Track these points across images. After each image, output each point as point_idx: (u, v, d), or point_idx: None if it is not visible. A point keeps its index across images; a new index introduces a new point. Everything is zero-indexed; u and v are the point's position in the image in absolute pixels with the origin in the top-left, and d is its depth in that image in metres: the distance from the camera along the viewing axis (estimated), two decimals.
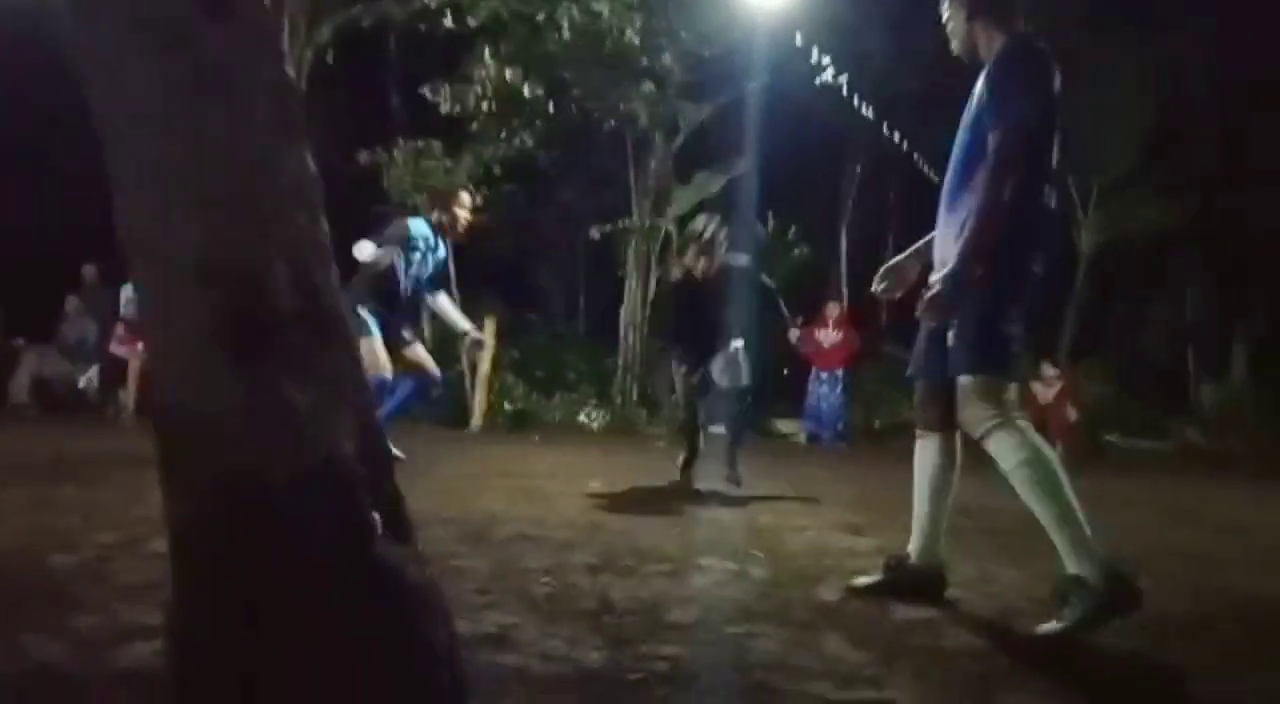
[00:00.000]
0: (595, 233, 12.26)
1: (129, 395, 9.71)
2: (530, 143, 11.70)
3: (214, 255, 1.42)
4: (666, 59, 11.03)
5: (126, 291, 10.72)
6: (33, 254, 13.17)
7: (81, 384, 11.29)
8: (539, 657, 2.22)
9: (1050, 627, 2.54)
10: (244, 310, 1.42)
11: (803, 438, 11.33)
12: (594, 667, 2.20)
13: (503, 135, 11.51)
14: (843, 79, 10.24)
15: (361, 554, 1.41)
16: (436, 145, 11.74)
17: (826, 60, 10.04)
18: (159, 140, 1.45)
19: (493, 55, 10.83)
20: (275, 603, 1.36)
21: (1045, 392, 10.92)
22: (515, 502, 4.68)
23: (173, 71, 1.44)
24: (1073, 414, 10.90)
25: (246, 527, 1.38)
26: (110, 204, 1.50)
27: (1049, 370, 11.16)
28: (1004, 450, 2.66)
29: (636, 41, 10.60)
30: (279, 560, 1.38)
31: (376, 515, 1.43)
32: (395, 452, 3.85)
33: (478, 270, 12.56)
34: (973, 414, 2.71)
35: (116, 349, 9.98)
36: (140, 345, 10.00)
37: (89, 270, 11.39)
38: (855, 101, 10.53)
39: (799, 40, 9.82)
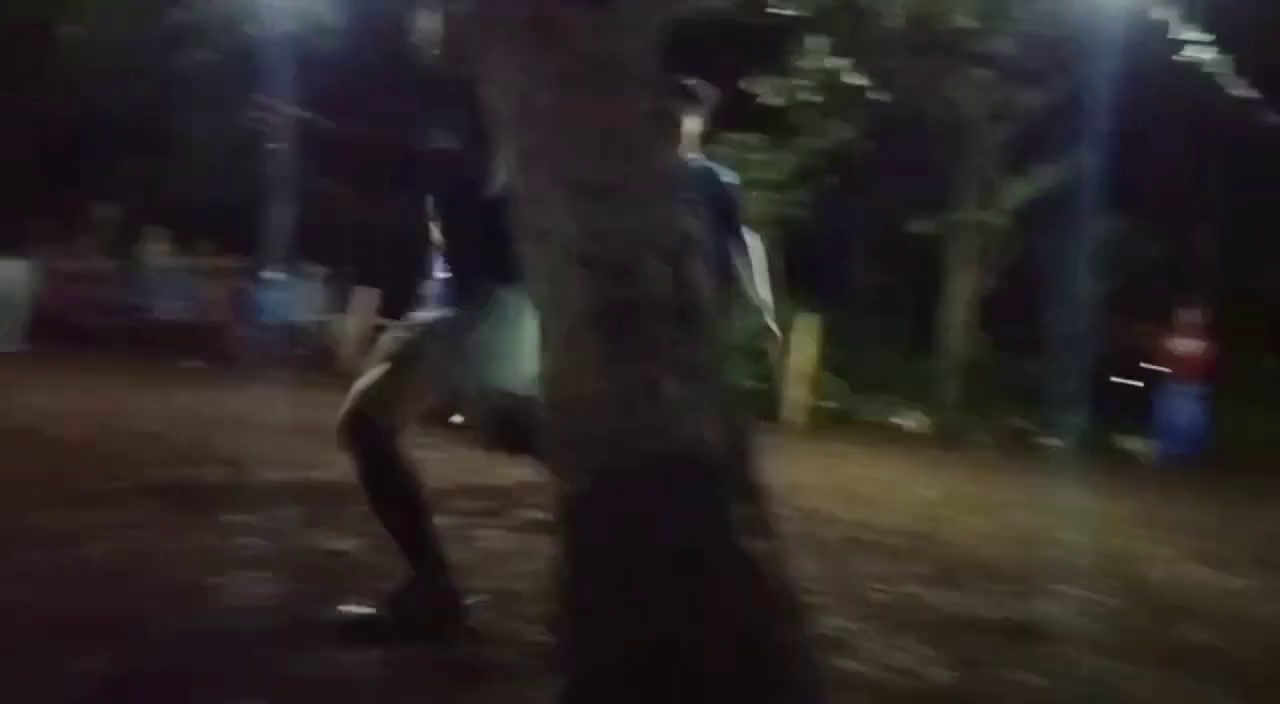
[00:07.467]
0: (918, 228, 11.72)
1: None
2: (851, 134, 11.40)
3: (592, 242, 1.46)
4: (1002, 43, 10.32)
5: None
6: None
7: None
8: (883, 667, 2.13)
9: None
10: (619, 297, 1.44)
11: (1150, 456, 10.23)
12: (944, 684, 2.07)
13: (824, 127, 11.31)
14: (1216, 54, 9.04)
15: (725, 545, 1.39)
16: (757, 138, 11.75)
17: (1199, 34, 8.91)
18: (541, 131, 1.50)
19: (817, 45, 10.65)
20: (645, 585, 1.38)
21: None
22: (839, 503, 4.57)
23: (554, 64, 1.48)
24: None
25: (618, 508, 1.41)
26: None
27: None
28: None
29: (971, 25, 10.00)
30: (648, 544, 1.39)
31: (740, 507, 1.40)
32: None
33: (795, 267, 12.45)
34: None
35: None
36: None
37: None
38: (1234, 79, 9.26)
39: (1165, 13, 8.80)
